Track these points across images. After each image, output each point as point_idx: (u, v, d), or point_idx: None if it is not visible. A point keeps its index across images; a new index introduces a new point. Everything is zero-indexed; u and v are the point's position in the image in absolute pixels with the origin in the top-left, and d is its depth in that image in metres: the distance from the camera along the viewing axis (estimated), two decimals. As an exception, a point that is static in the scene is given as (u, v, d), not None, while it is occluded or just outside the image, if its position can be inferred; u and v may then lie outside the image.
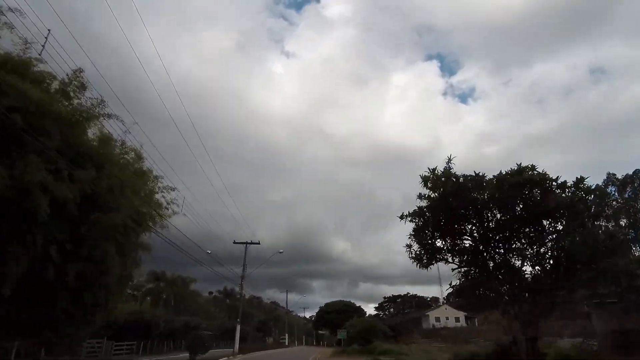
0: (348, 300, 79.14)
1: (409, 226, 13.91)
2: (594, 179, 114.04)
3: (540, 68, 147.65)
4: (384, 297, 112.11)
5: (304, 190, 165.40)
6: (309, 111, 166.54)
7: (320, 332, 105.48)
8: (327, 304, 78.22)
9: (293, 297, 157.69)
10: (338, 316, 70.98)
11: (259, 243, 34.96)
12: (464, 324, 68.31)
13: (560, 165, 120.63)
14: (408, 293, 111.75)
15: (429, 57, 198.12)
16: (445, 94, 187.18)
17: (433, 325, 65.27)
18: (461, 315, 69.91)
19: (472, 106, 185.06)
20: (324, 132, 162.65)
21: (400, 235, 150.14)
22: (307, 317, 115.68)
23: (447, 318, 68.93)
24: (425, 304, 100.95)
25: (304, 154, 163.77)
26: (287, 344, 69.94)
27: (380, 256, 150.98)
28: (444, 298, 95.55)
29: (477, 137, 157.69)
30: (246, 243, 33.90)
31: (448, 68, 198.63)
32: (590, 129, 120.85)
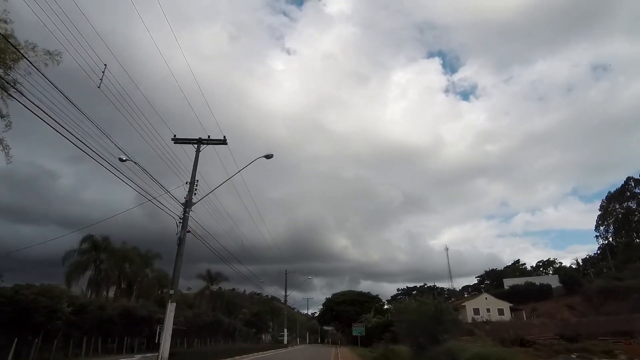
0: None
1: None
2: (594, 177, 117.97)
3: (542, 65, 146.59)
4: (398, 289, 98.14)
5: (304, 187, 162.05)
6: (310, 108, 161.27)
7: (325, 328, 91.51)
8: (335, 295, 63.83)
9: (294, 295, 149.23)
10: (351, 308, 56.67)
11: (225, 141, 16.99)
12: (510, 317, 54.16)
13: (561, 163, 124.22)
14: (425, 284, 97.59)
15: (431, 55, 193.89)
16: (446, 91, 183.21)
17: (473, 319, 50.90)
18: (505, 306, 55.58)
19: (473, 103, 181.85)
20: (325, 130, 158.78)
21: (400, 233, 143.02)
22: (310, 314, 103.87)
23: (487, 310, 54.63)
24: (445, 296, 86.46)
25: (305, 151, 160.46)
26: (285, 342, 55.96)
27: (380, 253, 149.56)
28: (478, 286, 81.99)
29: (479, 134, 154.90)
30: (197, 142, 16.73)
31: (450, 65, 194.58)
32: (591, 127, 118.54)
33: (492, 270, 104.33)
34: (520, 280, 75.30)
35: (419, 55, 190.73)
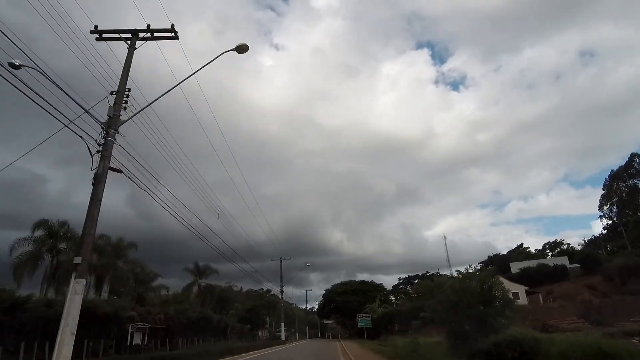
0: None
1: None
2: (585, 162, 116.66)
3: (530, 53, 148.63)
4: (399, 279, 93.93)
5: (298, 182, 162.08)
6: (300, 103, 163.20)
7: (325, 322, 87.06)
8: (335, 285, 59.25)
9: (292, 291, 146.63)
10: (354, 298, 52.13)
11: (173, 33, 11.57)
12: (525, 301, 50.13)
13: (552, 149, 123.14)
14: (427, 272, 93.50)
15: (419, 46, 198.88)
16: (436, 82, 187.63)
17: None
18: (520, 289, 51.51)
19: (463, 94, 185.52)
20: (316, 124, 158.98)
21: (395, 224, 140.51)
22: (309, 308, 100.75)
23: (502, 294, 50.51)
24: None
25: (297, 146, 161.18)
26: (283, 338, 51.18)
27: (375, 246, 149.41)
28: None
29: (469, 124, 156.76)
30: (132, 35, 11.58)
31: (439, 56, 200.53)
32: (580, 113, 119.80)
33: (496, 255, 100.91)
34: (528, 263, 71.66)
35: (408, 46, 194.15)
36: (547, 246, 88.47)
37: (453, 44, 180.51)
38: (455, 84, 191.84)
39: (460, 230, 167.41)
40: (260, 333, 62.06)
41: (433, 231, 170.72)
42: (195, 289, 49.17)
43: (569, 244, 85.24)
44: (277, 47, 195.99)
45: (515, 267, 74.57)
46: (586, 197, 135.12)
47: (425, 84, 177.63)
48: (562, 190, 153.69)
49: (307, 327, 74.10)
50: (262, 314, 55.82)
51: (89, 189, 9.38)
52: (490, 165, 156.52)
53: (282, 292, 42.63)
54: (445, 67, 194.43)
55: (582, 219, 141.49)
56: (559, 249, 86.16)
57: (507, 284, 52.00)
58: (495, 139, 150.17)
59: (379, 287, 55.16)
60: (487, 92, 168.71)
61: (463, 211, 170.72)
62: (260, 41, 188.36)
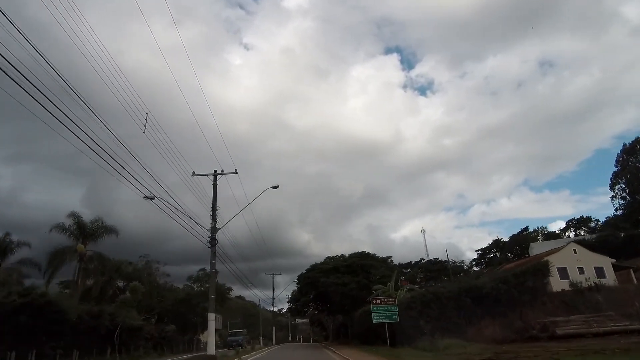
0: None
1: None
2: (543, 168, 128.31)
3: (493, 61, 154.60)
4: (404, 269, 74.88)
5: (266, 183, 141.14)
6: (270, 103, 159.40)
7: (299, 320, 66.65)
8: (318, 264, 38.77)
9: (257, 295, 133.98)
10: (352, 280, 32.39)
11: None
12: (613, 279, 32.48)
13: (513, 155, 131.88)
14: (438, 258, 75.08)
15: (389, 51, 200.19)
16: (405, 87, 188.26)
17: (576, 283, 28.10)
18: (606, 262, 33.77)
19: (430, 99, 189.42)
20: (286, 125, 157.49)
21: (362, 226, 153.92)
22: (277, 311, 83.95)
23: (580, 270, 32.48)
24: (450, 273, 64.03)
25: (266, 146, 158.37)
26: (212, 351, 30.52)
27: (343, 247, 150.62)
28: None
29: (436, 129, 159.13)
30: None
31: (407, 61, 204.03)
32: (540, 120, 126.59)
33: (498, 240, 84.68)
34: (550, 245, 55.41)
35: (377, 51, 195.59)
36: (571, 224, 72.87)
37: (421, 50, 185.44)
38: (423, 89, 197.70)
39: (426, 232, 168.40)
40: (201, 337, 40.83)
41: (399, 233, 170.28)
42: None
43: (597, 220, 69.98)
44: (246, 46, 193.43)
45: (540, 248, 57.94)
46: (544, 201, 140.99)
47: (394, 88, 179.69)
48: (522, 194, 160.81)
49: (274, 329, 52.19)
50: (199, 309, 34.36)
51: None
52: (456, 169, 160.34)
53: (214, 272, 20.07)
54: (413, 73, 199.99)
55: (541, 221, 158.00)
56: (585, 228, 70.74)
57: (587, 255, 34.40)
58: (461, 144, 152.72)
59: (390, 264, 35.87)
60: (453, 98, 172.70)
61: (429, 214, 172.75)
62: (229, 40, 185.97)
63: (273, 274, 49.86)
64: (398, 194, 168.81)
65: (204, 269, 36.61)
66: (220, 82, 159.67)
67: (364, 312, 26.69)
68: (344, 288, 32.36)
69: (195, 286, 36.23)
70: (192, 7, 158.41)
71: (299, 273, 39.13)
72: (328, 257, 37.24)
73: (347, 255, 36.36)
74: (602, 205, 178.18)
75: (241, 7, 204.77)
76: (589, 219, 70.68)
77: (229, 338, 42.41)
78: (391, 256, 36.64)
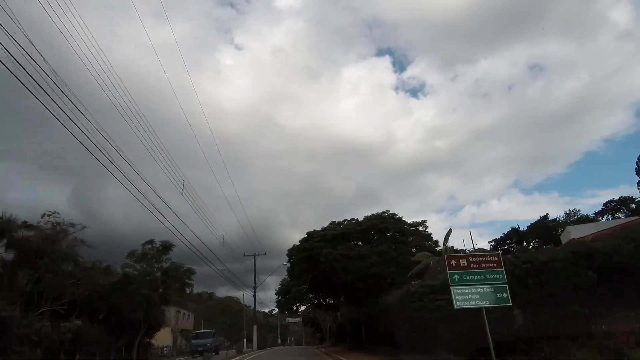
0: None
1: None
2: (533, 170, 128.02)
3: (484, 64, 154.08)
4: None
5: (257, 184, 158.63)
6: (261, 104, 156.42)
7: (290, 320, 55.38)
8: (312, 233, 26.80)
9: (247, 296, 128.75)
10: (369, 251, 21.33)
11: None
12: None
13: (504, 157, 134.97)
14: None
15: (380, 52, 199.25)
16: (396, 88, 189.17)
17: None
18: None
19: (422, 101, 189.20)
20: (277, 125, 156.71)
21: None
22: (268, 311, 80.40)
23: None
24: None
25: (257, 147, 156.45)
26: None
27: None
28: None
29: (428, 131, 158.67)
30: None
31: (399, 63, 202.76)
32: (529, 123, 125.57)
33: (516, 229, 74.38)
34: (590, 228, 45.08)
35: (369, 52, 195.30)
36: (610, 206, 63.08)
37: (412, 52, 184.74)
38: (415, 91, 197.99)
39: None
40: (154, 341, 28.99)
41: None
42: None
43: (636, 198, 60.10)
44: (237, 46, 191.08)
45: (579, 232, 47.34)
46: (534, 203, 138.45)
47: (385, 90, 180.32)
48: (512, 195, 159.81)
49: (255, 328, 39.57)
50: (139, 298, 22.04)
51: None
52: (447, 171, 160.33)
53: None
54: (405, 75, 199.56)
55: (531, 222, 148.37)
56: (625, 209, 60.87)
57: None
58: (452, 146, 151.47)
59: (424, 233, 24.55)
60: (444, 100, 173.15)
61: (420, 215, 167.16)
62: (220, 40, 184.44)
63: (255, 255, 38.13)
64: (390, 195, 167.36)
65: (151, 242, 24.80)
66: (212, 81, 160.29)
67: (404, 296, 15.44)
68: (360, 263, 21.07)
69: (138, 266, 24.63)
70: (183, 6, 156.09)
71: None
72: (332, 222, 25.84)
73: (368, 217, 24.85)
74: (590, 206, 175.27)
75: (232, 6, 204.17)
76: (630, 199, 60.64)
77: (193, 341, 31.11)
78: (425, 220, 25.21)
